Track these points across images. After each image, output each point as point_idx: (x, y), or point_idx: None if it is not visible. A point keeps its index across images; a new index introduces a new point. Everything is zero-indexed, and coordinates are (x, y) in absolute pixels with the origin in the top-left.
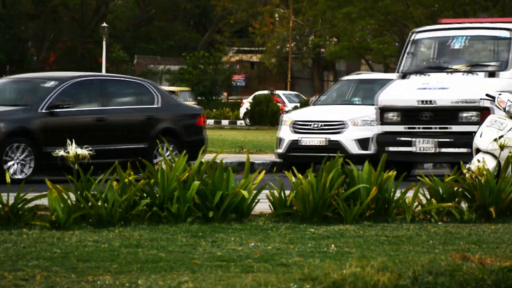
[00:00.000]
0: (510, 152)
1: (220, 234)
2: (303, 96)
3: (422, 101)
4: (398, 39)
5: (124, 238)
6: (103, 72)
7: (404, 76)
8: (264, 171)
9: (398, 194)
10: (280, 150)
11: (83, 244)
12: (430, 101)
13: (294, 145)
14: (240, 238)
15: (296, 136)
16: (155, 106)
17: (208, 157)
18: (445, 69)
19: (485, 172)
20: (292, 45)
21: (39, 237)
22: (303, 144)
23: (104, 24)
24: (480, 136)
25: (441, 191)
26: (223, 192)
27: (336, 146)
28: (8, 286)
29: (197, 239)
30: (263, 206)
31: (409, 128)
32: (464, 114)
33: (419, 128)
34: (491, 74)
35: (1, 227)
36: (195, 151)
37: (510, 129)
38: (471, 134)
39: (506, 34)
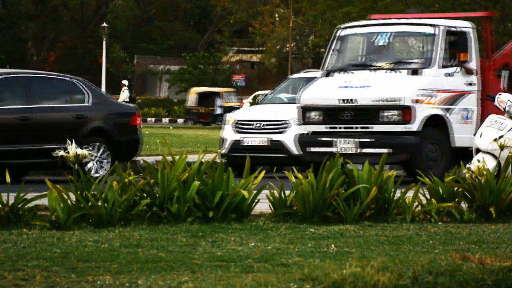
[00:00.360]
0: (510, 152)
1: (220, 234)
2: None
3: (343, 100)
4: None
5: (124, 238)
6: (103, 72)
7: (328, 74)
8: (264, 171)
9: (398, 194)
10: (222, 151)
11: (83, 244)
12: (351, 100)
13: (237, 145)
14: (240, 238)
15: (238, 136)
16: (85, 104)
17: (208, 157)
18: (369, 67)
19: (485, 172)
20: (292, 45)
21: (39, 237)
22: (245, 144)
23: (104, 24)
24: (480, 136)
25: (441, 191)
26: (223, 192)
27: (278, 147)
28: (8, 286)
29: (197, 239)
30: (263, 206)
31: (330, 128)
32: (385, 113)
33: (340, 128)
34: (415, 72)
35: (1, 227)
36: (128, 152)
37: (510, 129)
38: (392, 134)
39: (430, 30)
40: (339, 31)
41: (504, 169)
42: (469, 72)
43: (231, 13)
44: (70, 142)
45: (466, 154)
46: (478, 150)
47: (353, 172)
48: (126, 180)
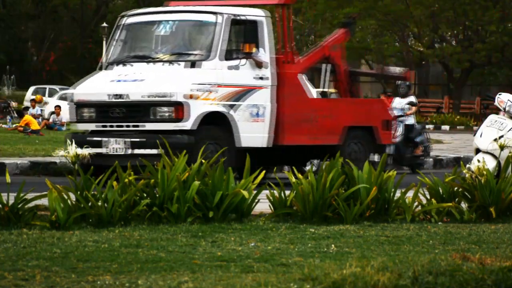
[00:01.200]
0: (510, 152)
1: (220, 234)
2: None
3: (114, 95)
4: (398, 39)
5: (124, 238)
6: None
7: (108, 66)
8: (264, 171)
9: (398, 194)
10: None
11: (83, 244)
12: (122, 95)
13: None
14: (240, 238)
15: None
16: None
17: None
18: (148, 59)
19: (485, 172)
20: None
21: (39, 237)
22: None
23: (104, 24)
24: (480, 136)
25: (441, 191)
26: (223, 192)
27: None
28: (8, 286)
29: (197, 239)
30: (263, 206)
31: (102, 126)
32: (157, 110)
33: (111, 126)
34: (193, 64)
35: (1, 227)
36: None
37: (510, 129)
38: (166, 133)
39: (211, 18)
40: (124, 19)
41: (504, 169)
42: (259, 65)
43: None
44: (70, 142)
45: (271, 154)
46: (478, 150)
47: (353, 172)
48: (126, 180)
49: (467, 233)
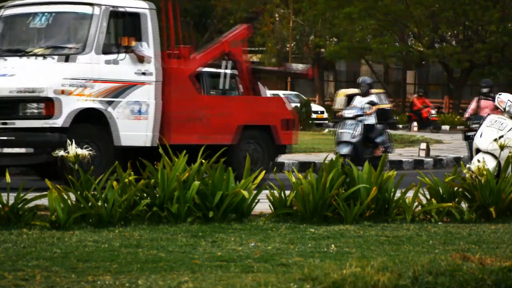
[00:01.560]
0: (510, 152)
1: (220, 234)
2: (303, 96)
3: None
4: (398, 39)
5: (124, 238)
6: None
7: None
8: (264, 171)
9: (398, 194)
10: None
11: (83, 244)
12: None
13: None
14: (240, 238)
15: None
16: None
17: None
18: (22, 52)
19: (485, 172)
20: (292, 45)
21: (39, 237)
22: None
23: None
24: (480, 136)
25: (441, 191)
26: (223, 192)
27: None
28: (8, 286)
29: (197, 239)
30: (263, 206)
31: None
32: (26, 107)
33: None
34: (67, 58)
35: (1, 227)
36: None
37: (510, 129)
38: (36, 131)
39: (88, 10)
40: (1, 11)
41: (504, 169)
42: (141, 59)
43: (231, 13)
44: (70, 142)
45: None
46: (478, 150)
47: (353, 172)
48: (126, 180)
49: (467, 233)
